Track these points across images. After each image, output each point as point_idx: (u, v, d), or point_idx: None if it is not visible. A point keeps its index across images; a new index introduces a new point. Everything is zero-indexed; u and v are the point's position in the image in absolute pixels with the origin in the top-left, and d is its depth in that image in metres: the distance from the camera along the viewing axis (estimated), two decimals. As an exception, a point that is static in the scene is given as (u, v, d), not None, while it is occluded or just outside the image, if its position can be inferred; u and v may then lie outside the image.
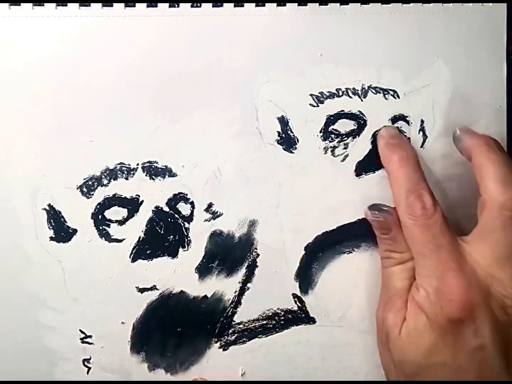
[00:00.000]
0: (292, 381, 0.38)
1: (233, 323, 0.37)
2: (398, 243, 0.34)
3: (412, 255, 0.33)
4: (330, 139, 0.37)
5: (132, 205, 0.36)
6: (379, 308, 0.35)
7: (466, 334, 0.30)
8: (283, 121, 0.37)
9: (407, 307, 0.32)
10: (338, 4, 0.37)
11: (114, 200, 0.36)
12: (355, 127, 0.37)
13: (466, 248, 0.32)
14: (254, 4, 0.36)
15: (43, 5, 0.35)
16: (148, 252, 0.36)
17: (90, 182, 0.36)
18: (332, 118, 0.37)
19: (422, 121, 0.38)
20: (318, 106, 0.37)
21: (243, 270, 0.37)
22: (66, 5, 0.35)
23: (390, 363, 0.33)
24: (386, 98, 0.37)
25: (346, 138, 0.37)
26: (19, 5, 0.35)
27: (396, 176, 0.34)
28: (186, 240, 0.36)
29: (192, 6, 0.36)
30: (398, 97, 0.37)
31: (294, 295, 0.37)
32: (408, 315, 0.32)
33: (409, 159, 0.35)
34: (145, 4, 0.35)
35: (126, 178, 0.36)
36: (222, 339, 0.37)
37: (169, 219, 0.36)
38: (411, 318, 0.32)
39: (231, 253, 0.37)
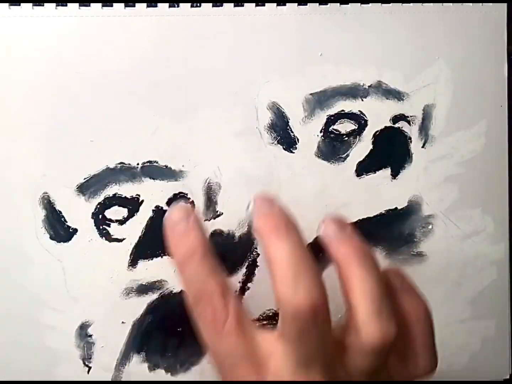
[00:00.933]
0: (293, 381, 0.38)
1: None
2: None
3: None
4: (330, 139, 0.37)
5: (132, 204, 0.36)
6: None
7: None
8: (283, 121, 0.37)
9: None
10: (338, 4, 0.37)
11: (114, 200, 0.36)
12: (356, 127, 0.37)
13: (267, 352, 0.27)
14: (254, 4, 0.36)
15: (43, 5, 0.35)
16: (148, 251, 0.36)
17: (90, 182, 0.36)
18: (332, 118, 0.37)
19: (423, 121, 0.38)
20: (318, 106, 0.37)
21: (243, 270, 0.37)
22: (66, 5, 0.35)
23: None
24: (386, 98, 0.37)
25: (346, 138, 0.37)
26: (19, 5, 0.35)
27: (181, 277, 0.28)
28: (186, 240, 0.36)
29: (192, 6, 0.36)
30: (399, 97, 0.37)
31: (295, 295, 0.37)
32: None
33: (195, 252, 0.28)
34: (145, 4, 0.35)
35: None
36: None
37: (169, 219, 0.36)
38: None
39: (231, 253, 0.37)
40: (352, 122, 0.37)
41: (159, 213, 0.36)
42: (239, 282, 0.37)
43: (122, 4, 0.35)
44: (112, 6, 0.35)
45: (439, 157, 0.38)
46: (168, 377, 0.37)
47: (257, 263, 0.37)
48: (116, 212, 0.36)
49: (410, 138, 0.38)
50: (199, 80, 0.36)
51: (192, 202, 0.37)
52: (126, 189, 0.36)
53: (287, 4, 0.36)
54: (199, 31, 0.36)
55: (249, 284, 0.37)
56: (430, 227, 0.38)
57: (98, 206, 0.36)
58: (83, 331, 0.36)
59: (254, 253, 0.37)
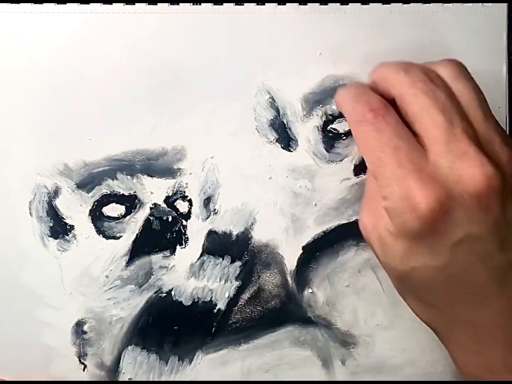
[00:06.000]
0: (292, 381, 0.38)
1: (229, 322, 0.37)
2: None
3: None
4: (328, 138, 0.37)
5: (130, 202, 0.36)
6: (362, 210, 0.32)
7: (442, 232, 0.28)
8: (282, 120, 0.37)
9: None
10: (338, 3, 0.37)
11: (111, 197, 0.36)
12: (354, 127, 0.37)
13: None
14: (254, 3, 0.36)
15: (42, 3, 0.35)
16: (145, 249, 0.36)
17: (88, 179, 0.36)
18: (331, 117, 0.37)
19: (422, 121, 0.38)
20: (317, 105, 0.37)
21: (240, 268, 0.37)
22: (65, 3, 0.35)
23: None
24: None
25: (344, 138, 0.37)
26: (18, 3, 0.35)
27: (343, 101, 0.32)
28: (183, 237, 0.36)
29: (192, 4, 0.36)
30: (398, 96, 0.37)
31: (291, 295, 0.37)
32: (380, 224, 0.30)
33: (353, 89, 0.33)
34: (144, 2, 0.35)
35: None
36: (218, 338, 0.37)
37: (167, 217, 0.36)
38: (382, 228, 0.30)
39: (228, 252, 0.37)
40: (350, 121, 0.37)
41: (156, 210, 0.36)
42: (236, 279, 0.37)
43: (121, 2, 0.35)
44: (111, 4, 0.35)
45: (438, 157, 0.38)
46: (164, 376, 0.37)
47: (254, 261, 0.37)
48: (113, 210, 0.36)
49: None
50: (197, 78, 0.36)
51: (190, 200, 0.37)
52: (124, 187, 0.36)
53: (287, 3, 0.36)
54: (198, 29, 0.36)
55: (246, 282, 0.37)
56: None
57: (96, 203, 0.36)
58: (79, 328, 0.36)
59: (250, 252, 0.37)
